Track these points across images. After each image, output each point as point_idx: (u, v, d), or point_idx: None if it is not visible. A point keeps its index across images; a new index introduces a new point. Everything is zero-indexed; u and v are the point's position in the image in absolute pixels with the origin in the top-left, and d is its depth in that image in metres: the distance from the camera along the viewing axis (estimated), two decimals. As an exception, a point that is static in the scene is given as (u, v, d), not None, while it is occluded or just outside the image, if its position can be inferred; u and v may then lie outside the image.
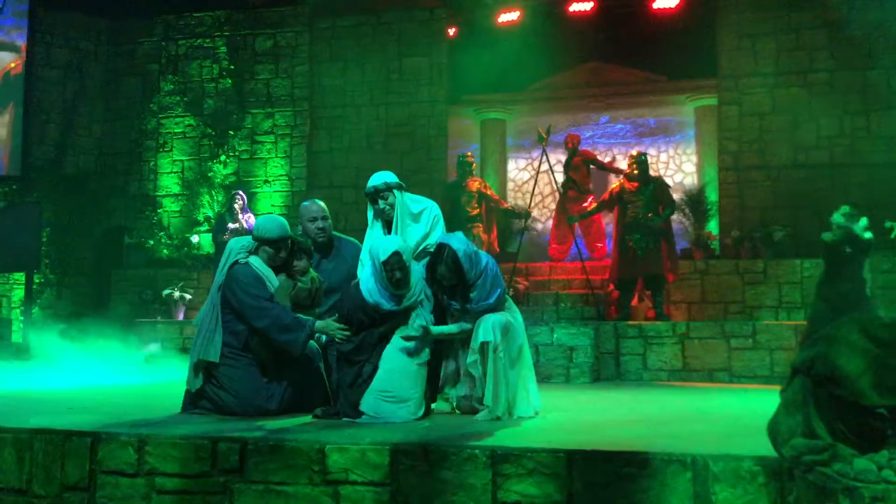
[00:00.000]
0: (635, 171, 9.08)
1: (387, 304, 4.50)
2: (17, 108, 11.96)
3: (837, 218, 7.22)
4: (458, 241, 4.52)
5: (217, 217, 10.84)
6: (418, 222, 4.95)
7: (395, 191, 4.97)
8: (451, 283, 4.50)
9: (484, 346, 4.43)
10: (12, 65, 12.04)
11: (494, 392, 4.38)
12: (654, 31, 11.38)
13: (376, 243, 4.58)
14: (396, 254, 4.40)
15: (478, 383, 4.53)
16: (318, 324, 4.65)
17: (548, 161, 10.50)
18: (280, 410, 4.67)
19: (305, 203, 5.44)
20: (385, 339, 4.54)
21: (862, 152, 10.25)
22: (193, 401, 4.81)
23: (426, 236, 4.91)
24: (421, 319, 4.53)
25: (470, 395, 4.60)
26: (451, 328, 4.59)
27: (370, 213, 5.08)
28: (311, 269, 4.97)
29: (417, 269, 4.66)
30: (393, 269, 4.41)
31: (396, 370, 4.46)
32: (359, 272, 4.83)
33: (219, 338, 4.70)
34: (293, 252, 4.90)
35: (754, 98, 10.74)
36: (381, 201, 4.96)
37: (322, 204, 5.37)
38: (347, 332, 4.51)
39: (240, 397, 4.64)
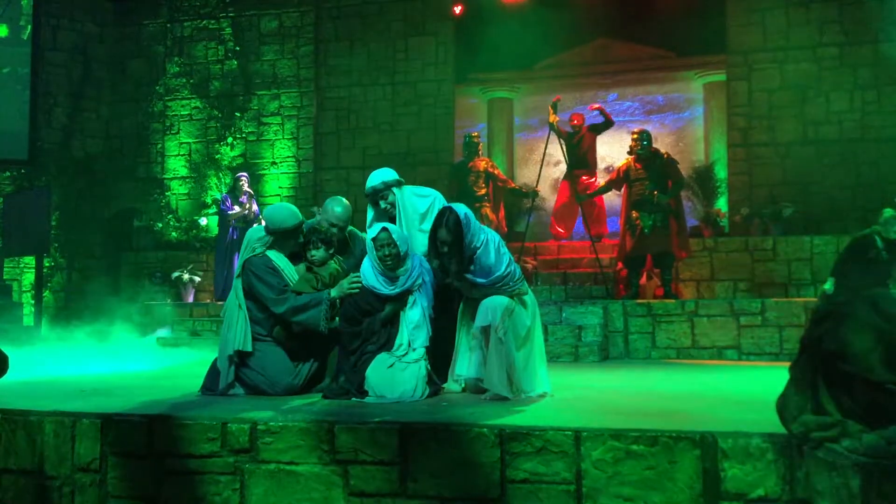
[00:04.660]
0: (637, 149, 8.99)
1: (383, 289, 4.52)
2: (20, 87, 11.96)
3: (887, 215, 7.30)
4: (459, 207, 4.51)
5: (222, 197, 10.83)
6: (423, 226, 4.89)
7: (394, 189, 4.95)
8: (450, 245, 4.38)
9: (485, 330, 4.43)
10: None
11: (497, 374, 4.38)
12: (662, 6, 11.26)
13: (371, 228, 4.63)
14: (385, 230, 4.46)
15: (481, 363, 4.55)
16: (334, 291, 4.70)
17: (559, 139, 10.45)
18: (304, 387, 4.79)
19: (334, 205, 5.11)
20: (389, 325, 4.56)
21: (872, 127, 10.17)
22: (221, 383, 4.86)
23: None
24: (419, 305, 4.56)
25: (478, 375, 4.60)
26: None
27: (370, 215, 5.05)
28: (332, 262, 4.94)
29: (415, 255, 4.69)
30: (382, 246, 4.45)
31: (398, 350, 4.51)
32: (363, 262, 4.82)
33: (249, 327, 4.80)
34: (310, 241, 4.89)
35: (763, 73, 10.65)
36: (381, 202, 4.95)
37: (348, 207, 5.13)
38: (359, 283, 4.57)
39: (268, 376, 4.75)
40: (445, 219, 4.40)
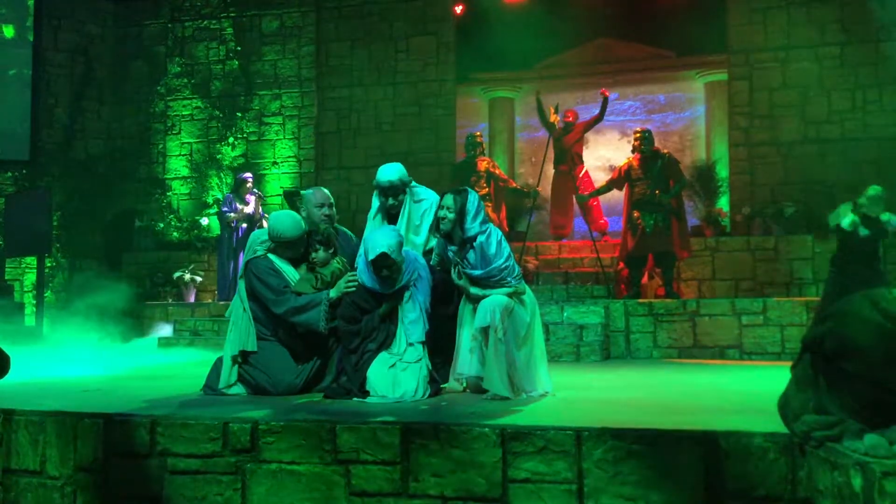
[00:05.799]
0: (640, 148, 8.98)
1: (379, 288, 4.55)
2: (24, 88, 11.99)
3: (862, 200, 7.32)
4: (475, 195, 4.62)
5: (225, 197, 10.84)
6: (419, 232, 4.91)
7: (407, 189, 4.94)
8: (451, 210, 4.52)
9: (485, 330, 4.44)
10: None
11: (498, 374, 4.38)
12: (662, 6, 11.27)
13: (370, 238, 4.53)
14: (383, 255, 4.37)
15: (482, 362, 4.55)
16: (332, 292, 4.72)
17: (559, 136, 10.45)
18: (305, 386, 4.80)
19: (310, 190, 5.35)
20: (388, 321, 4.57)
21: (874, 126, 10.18)
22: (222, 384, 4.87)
23: (426, 243, 4.92)
24: (415, 300, 4.55)
25: (479, 374, 4.60)
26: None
27: (375, 204, 5.04)
28: (334, 261, 4.94)
29: (411, 252, 4.70)
30: (380, 268, 4.43)
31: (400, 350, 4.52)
32: (358, 260, 4.81)
33: (252, 327, 4.84)
34: (310, 244, 4.92)
35: (765, 73, 10.65)
36: (391, 199, 4.92)
37: (327, 191, 5.28)
38: (356, 283, 4.60)
39: (271, 374, 4.77)
40: (458, 190, 4.60)
